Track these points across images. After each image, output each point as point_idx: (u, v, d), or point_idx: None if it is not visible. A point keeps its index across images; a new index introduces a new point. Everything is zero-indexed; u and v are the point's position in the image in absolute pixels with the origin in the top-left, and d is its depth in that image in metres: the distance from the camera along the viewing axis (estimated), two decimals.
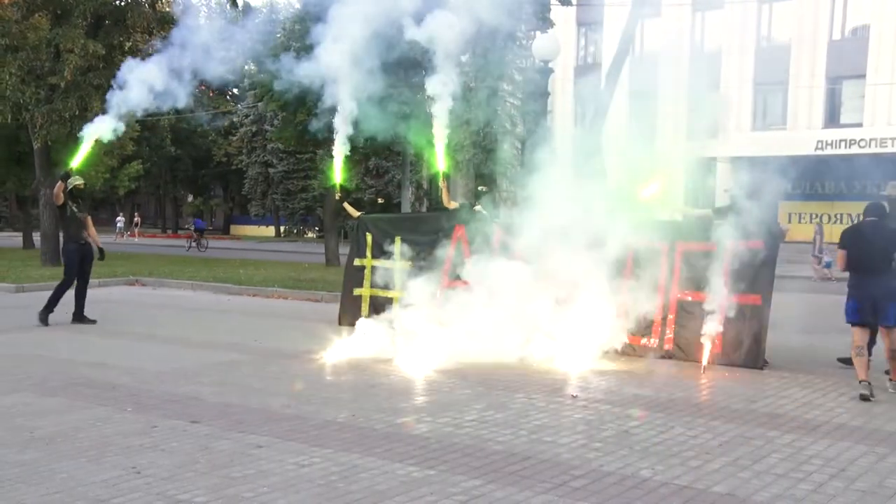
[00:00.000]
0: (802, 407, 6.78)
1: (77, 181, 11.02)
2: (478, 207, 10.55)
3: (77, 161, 10.82)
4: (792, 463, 5.24)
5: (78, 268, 11.00)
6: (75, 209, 10.97)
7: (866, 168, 27.67)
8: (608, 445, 5.54)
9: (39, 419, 6.08)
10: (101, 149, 34.49)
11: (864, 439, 5.84)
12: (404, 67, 19.23)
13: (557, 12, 26.34)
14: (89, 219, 11.31)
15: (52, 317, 10.85)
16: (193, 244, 34.75)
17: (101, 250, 11.26)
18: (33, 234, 30.02)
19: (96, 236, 11.33)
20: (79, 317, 11.07)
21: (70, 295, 10.94)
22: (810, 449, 5.56)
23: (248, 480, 4.75)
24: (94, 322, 10.99)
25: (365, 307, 10.78)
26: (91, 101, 19.73)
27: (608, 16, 34.38)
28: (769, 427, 6.10)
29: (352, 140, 10.65)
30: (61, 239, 11.98)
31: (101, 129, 10.56)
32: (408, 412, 6.40)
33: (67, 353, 8.93)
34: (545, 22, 25.68)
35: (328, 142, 21.92)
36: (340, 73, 9.89)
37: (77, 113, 19.51)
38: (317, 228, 51.91)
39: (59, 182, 10.84)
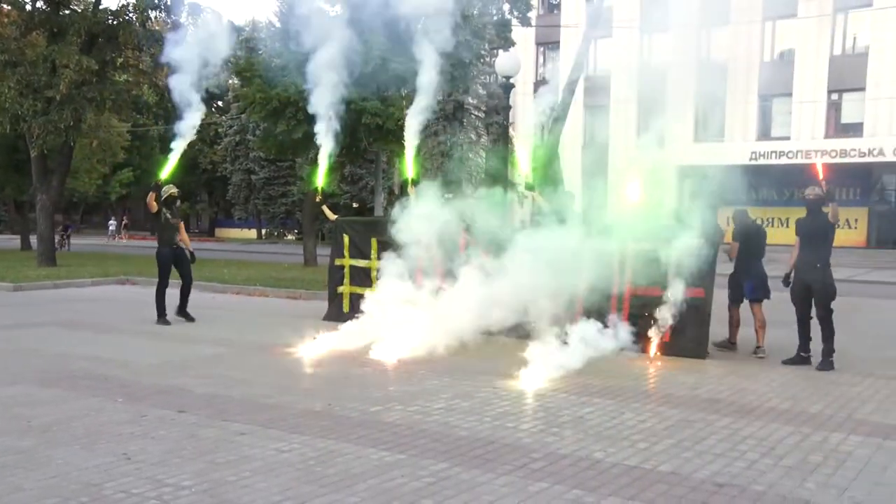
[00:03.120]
0: (738, 393, 6.88)
1: (171, 190, 10.90)
2: None
3: (166, 172, 10.58)
4: (729, 443, 5.32)
5: (177, 270, 10.92)
6: (168, 216, 10.84)
7: (793, 176, 28.21)
8: (564, 430, 5.57)
9: (37, 409, 5.97)
10: (94, 156, 34.05)
11: (791, 421, 5.94)
12: (377, 82, 19.22)
13: (518, 32, 26.47)
14: (182, 224, 11.20)
15: (43, 316, 10.67)
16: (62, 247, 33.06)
17: (191, 254, 11.17)
18: (30, 236, 29.44)
19: (188, 241, 11.25)
20: (182, 311, 10.95)
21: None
22: (745, 430, 5.65)
23: (231, 465, 4.71)
24: (193, 320, 10.80)
25: (346, 303, 10.78)
26: (85, 113, 19.41)
27: (564, 36, 34.62)
28: (709, 411, 6.18)
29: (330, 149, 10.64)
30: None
31: (179, 140, 10.32)
32: (380, 401, 6.38)
33: (63, 347, 8.77)
34: (507, 41, 25.80)
35: (306, 150, 21.85)
36: (325, 87, 9.87)
37: (72, 124, 19.19)
38: (296, 231, 51.50)
39: (151, 192, 10.73)
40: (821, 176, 8.09)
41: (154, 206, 10.74)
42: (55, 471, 4.59)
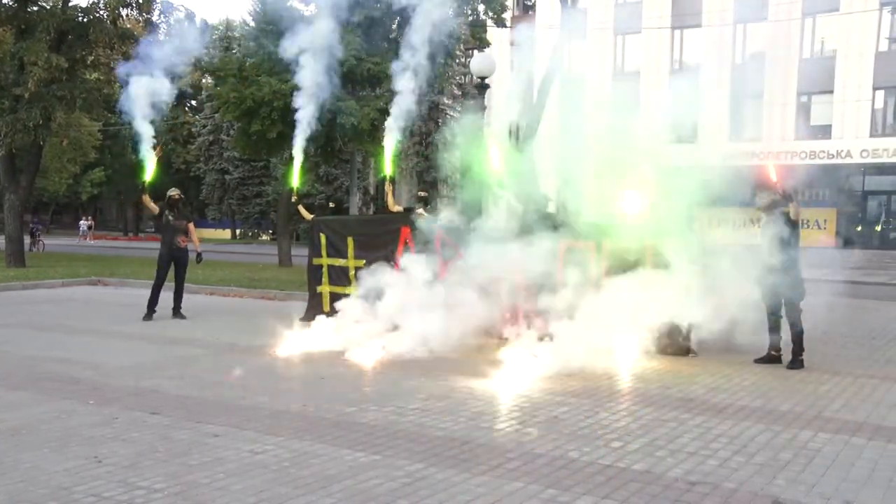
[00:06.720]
0: (711, 391, 6.96)
1: (172, 192, 11.26)
2: (419, 211, 10.55)
3: (148, 176, 10.80)
4: (701, 442, 5.38)
5: (173, 270, 11.23)
6: (171, 217, 11.06)
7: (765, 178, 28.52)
8: (539, 430, 5.59)
9: (4, 412, 5.87)
10: (65, 156, 33.49)
11: (763, 419, 6.02)
12: (352, 82, 19.18)
13: (493, 33, 26.51)
14: (191, 225, 11.41)
15: (11, 317, 10.65)
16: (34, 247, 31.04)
17: (199, 255, 11.62)
18: None
19: (196, 241, 11.61)
20: (175, 312, 11.31)
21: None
22: (717, 429, 5.71)
23: (205, 468, 4.67)
24: (184, 318, 11.15)
25: (325, 303, 10.74)
26: (54, 112, 19.10)
27: (539, 37, 34.74)
28: (682, 410, 6.24)
29: (306, 148, 10.66)
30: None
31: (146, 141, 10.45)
32: (355, 402, 6.36)
33: (32, 349, 8.62)
34: (482, 41, 25.84)
35: (280, 150, 21.73)
36: (302, 88, 9.94)
37: (41, 122, 18.87)
38: (270, 231, 51.21)
39: (142, 196, 11.15)
40: (774, 178, 8.17)
41: (154, 208, 11.06)
42: (23, 475, 4.51)
